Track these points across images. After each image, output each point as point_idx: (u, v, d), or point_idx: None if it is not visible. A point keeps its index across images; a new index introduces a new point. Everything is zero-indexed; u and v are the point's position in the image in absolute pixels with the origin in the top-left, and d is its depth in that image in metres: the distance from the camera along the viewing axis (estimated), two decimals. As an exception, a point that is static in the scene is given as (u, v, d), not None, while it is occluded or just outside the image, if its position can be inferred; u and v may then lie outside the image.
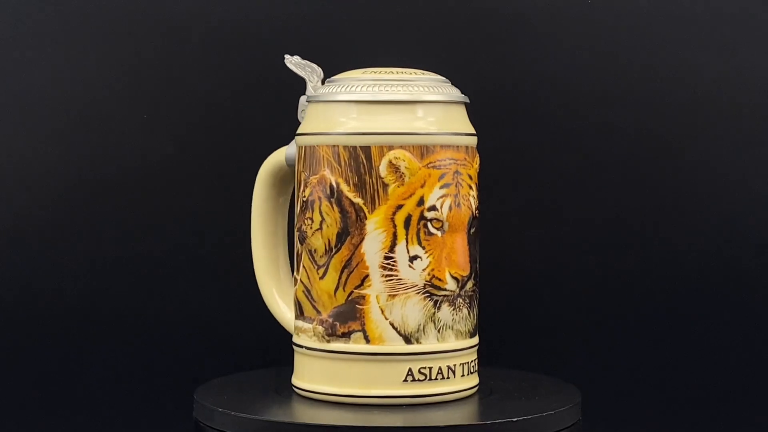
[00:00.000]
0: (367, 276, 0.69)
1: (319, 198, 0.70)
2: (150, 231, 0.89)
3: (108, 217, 0.89)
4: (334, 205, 0.69)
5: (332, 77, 0.73)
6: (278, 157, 0.75)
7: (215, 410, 0.69)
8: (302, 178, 0.71)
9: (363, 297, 0.69)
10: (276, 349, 0.79)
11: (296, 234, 0.72)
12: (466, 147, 0.70)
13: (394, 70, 0.71)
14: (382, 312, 0.69)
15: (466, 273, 0.70)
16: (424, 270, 0.69)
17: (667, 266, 0.89)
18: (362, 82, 0.70)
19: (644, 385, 0.89)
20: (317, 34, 0.89)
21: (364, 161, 0.69)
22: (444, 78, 0.72)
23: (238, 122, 0.89)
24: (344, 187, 0.69)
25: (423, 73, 0.71)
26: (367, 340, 0.69)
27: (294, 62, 0.74)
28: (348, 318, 0.69)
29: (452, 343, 0.70)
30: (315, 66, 0.74)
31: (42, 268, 0.88)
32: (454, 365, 0.70)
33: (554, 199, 0.89)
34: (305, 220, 0.71)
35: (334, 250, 0.69)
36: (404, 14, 0.90)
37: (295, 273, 0.72)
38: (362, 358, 0.69)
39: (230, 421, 0.68)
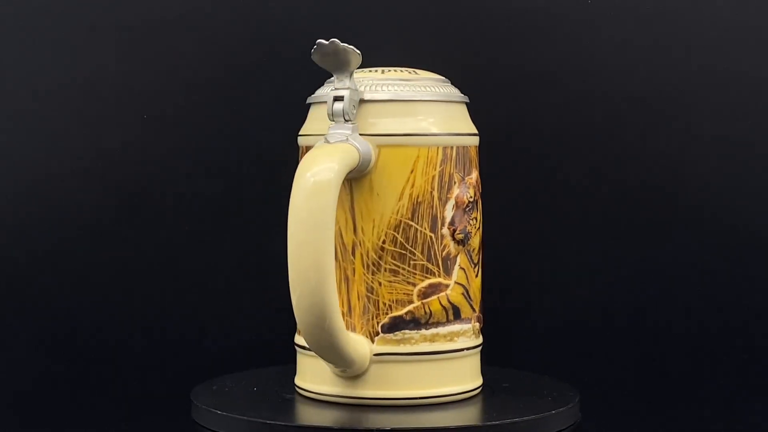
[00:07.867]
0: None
1: (480, 198, 0.72)
2: (150, 229, 0.88)
3: (109, 213, 0.88)
4: (483, 204, 0.72)
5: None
6: (351, 155, 0.67)
7: (211, 411, 0.68)
8: (454, 179, 0.70)
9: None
10: (278, 348, 0.78)
11: (450, 236, 0.69)
12: None
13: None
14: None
15: None
16: None
17: (668, 266, 0.89)
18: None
19: (644, 385, 0.88)
20: (317, 33, 0.74)
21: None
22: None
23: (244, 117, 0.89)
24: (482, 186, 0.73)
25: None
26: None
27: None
28: (484, 311, 0.73)
29: None
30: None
31: (37, 266, 0.88)
32: None
33: (555, 199, 0.87)
34: (470, 221, 0.71)
35: (485, 247, 0.73)
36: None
37: (442, 278, 0.70)
38: (477, 350, 0.73)
39: (228, 423, 0.67)
